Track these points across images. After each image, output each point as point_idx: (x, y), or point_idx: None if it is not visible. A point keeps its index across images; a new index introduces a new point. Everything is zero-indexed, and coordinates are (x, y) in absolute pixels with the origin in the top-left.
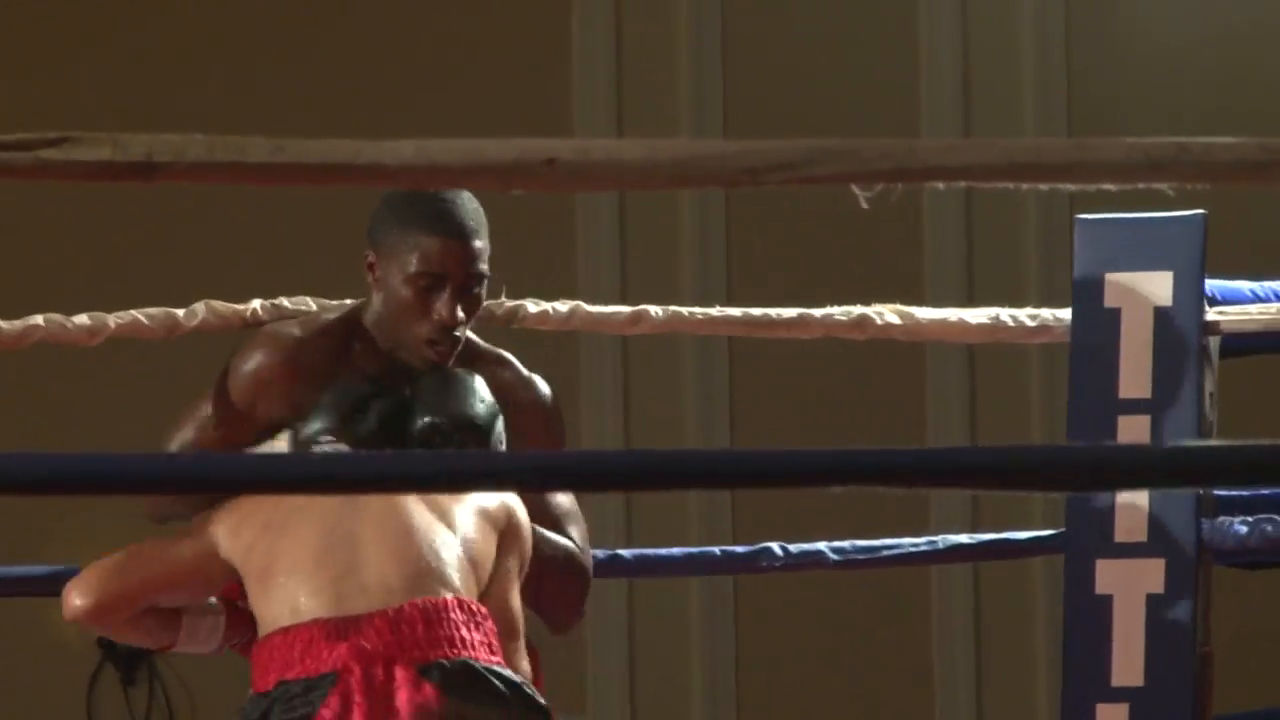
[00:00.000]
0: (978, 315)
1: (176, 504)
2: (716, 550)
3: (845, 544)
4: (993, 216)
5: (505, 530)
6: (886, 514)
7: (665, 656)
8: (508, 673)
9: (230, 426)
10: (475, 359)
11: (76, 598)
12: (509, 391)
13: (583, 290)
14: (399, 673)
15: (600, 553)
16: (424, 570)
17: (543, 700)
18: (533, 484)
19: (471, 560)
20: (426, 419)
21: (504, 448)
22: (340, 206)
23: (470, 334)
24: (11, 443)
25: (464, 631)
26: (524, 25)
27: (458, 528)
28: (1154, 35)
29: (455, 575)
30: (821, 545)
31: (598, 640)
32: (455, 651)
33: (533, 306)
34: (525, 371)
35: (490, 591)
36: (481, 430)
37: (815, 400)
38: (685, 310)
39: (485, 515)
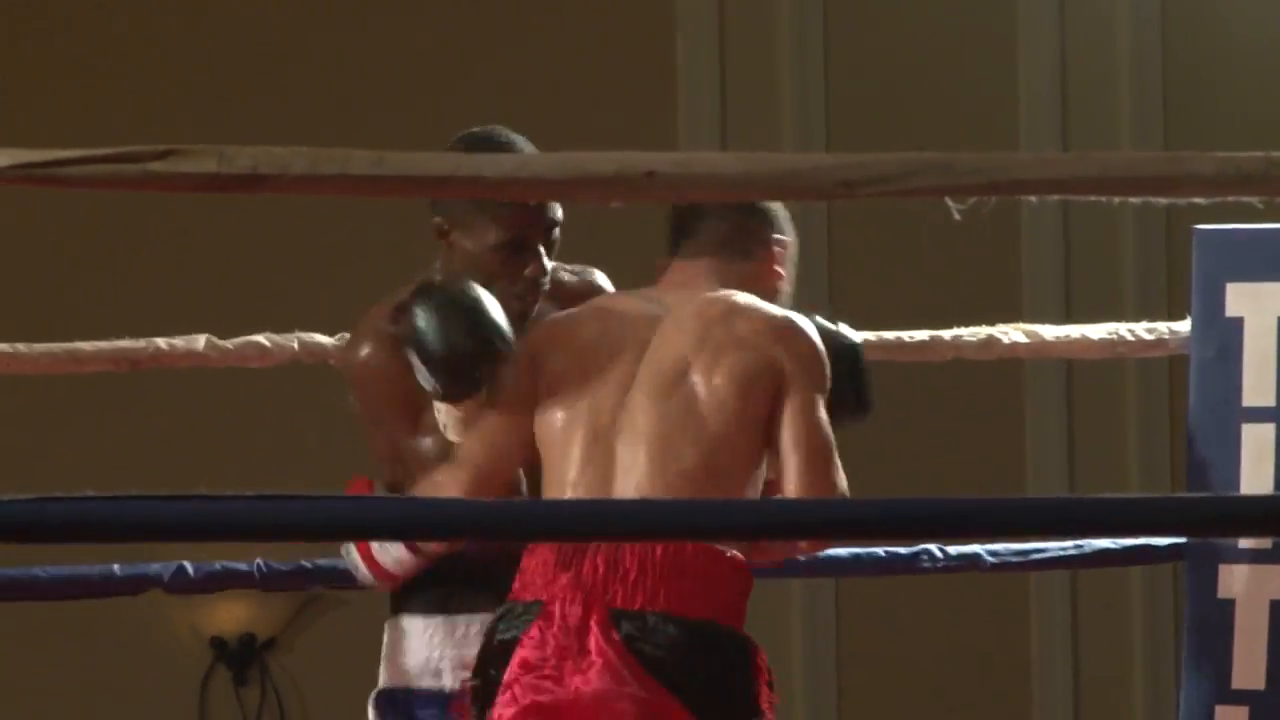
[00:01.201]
0: (1098, 331)
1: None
2: (880, 551)
3: (998, 547)
4: (1090, 231)
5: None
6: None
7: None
8: (708, 627)
9: (408, 411)
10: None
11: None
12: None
13: None
14: (595, 616)
15: None
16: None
17: (727, 645)
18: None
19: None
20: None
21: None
22: None
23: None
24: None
25: (672, 583)
26: (629, 42)
27: (710, 415)
28: (1250, 44)
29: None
30: (977, 548)
31: None
32: (655, 604)
33: None
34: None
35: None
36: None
37: (914, 420)
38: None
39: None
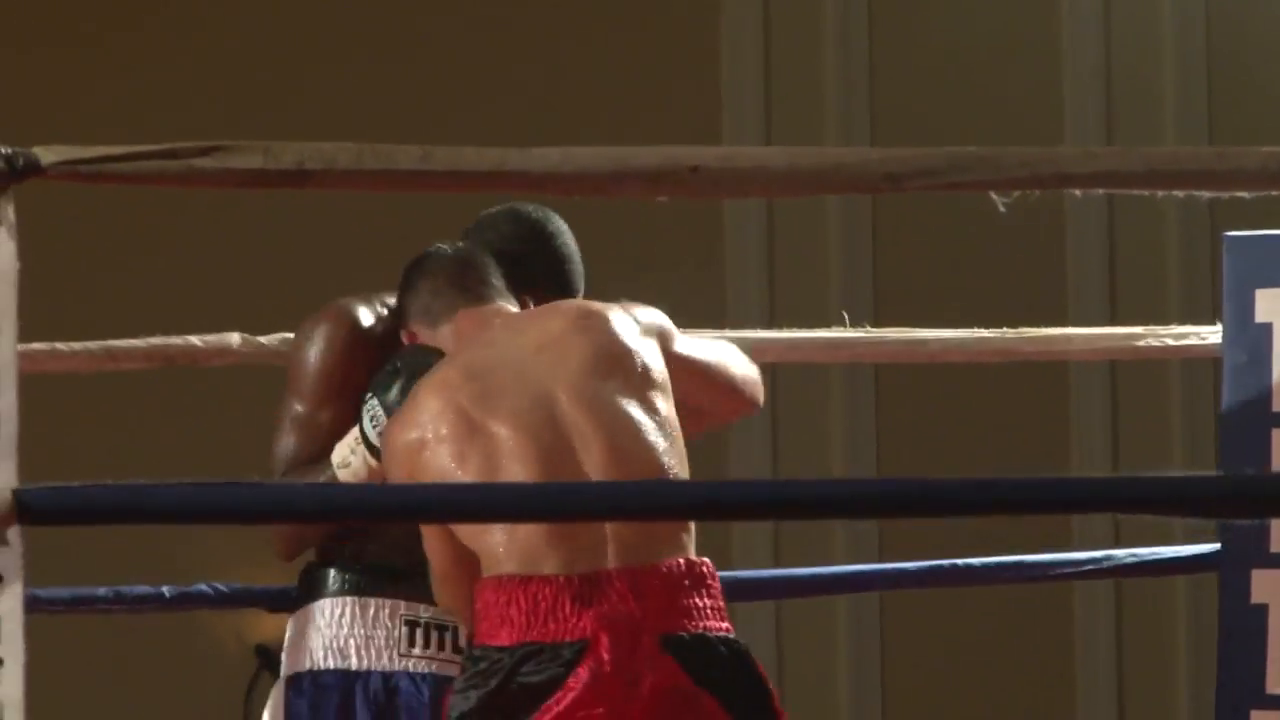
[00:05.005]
0: (1126, 334)
1: (308, 534)
2: (910, 565)
3: (1028, 558)
4: (1135, 232)
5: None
6: (1031, 529)
7: (812, 674)
8: (737, 642)
9: (320, 409)
10: None
11: None
12: None
13: (731, 312)
14: (645, 643)
15: (814, 570)
16: (655, 526)
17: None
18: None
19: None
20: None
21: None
22: None
23: None
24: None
25: (697, 599)
26: (673, 37)
27: (666, 425)
28: None
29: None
30: (1009, 558)
31: None
32: (693, 624)
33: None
34: None
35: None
36: None
37: (960, 421)
38: (892, 332)
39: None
